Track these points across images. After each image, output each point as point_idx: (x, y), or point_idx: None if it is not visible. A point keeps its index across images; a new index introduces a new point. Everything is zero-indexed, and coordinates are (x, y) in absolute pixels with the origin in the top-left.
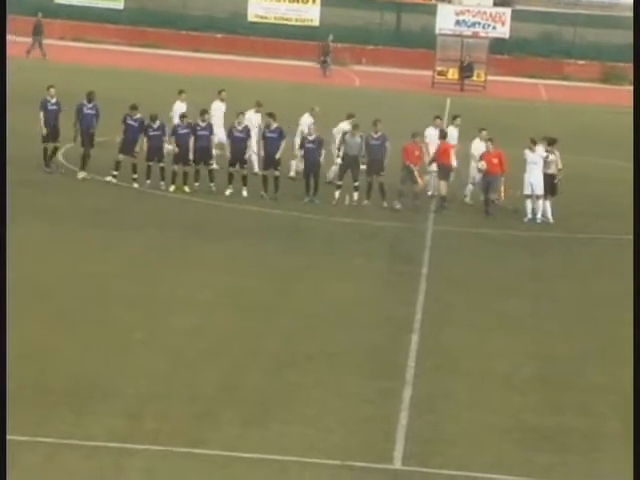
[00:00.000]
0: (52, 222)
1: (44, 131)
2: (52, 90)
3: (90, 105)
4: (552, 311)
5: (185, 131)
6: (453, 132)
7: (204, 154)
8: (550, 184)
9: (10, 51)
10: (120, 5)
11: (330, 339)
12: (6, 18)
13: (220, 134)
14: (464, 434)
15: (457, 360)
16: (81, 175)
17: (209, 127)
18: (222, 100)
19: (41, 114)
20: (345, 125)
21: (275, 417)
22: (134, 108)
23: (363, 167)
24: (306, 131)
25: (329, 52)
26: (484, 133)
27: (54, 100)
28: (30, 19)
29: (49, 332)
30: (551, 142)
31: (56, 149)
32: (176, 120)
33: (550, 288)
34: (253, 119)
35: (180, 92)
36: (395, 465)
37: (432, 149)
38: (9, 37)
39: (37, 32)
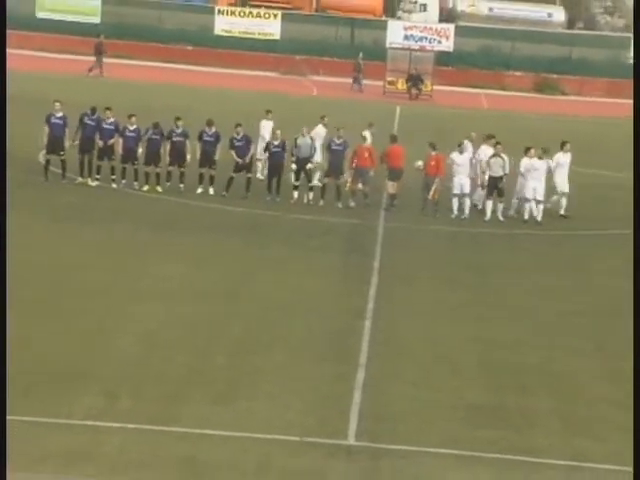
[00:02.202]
0: (30, 217)
1: (45, 143)
2: (57, 104)
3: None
4: (493, 301)
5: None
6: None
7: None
8: (497, 186)
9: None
10: (97, 19)
11: (290, 326)
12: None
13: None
14: (413, 413)
15: (406, 345)
16: (93, 183)
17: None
18: (324, 125)
19: (45, 127)
20: (487, 149)
21: (240, 397)
22: (108, 109)
23: (310, 165)
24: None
25: (361, 69)
26: (493, 140)
27: (59, 114)
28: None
29: (24, 320)
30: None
31: (63, 162)
32: (266, 137)
33: (491, 280)
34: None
35: (267, 112)
36: (349, 441)
37: (484, 165)
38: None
39: (98, 51)
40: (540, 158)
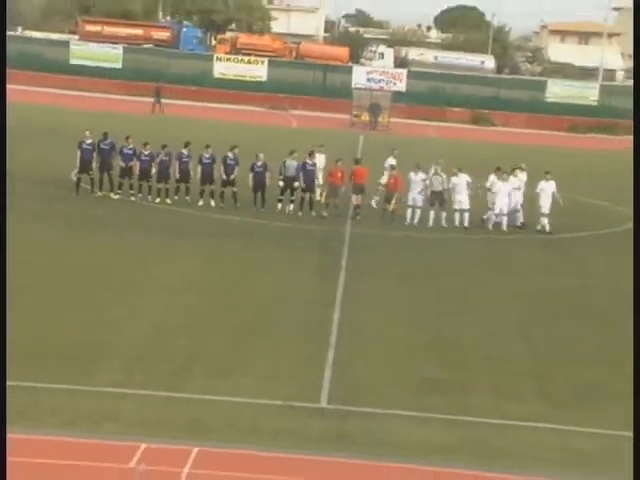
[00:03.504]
0: (64, 225)
1: (78, 165)
2: (87, 133)
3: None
4: (439, 293)
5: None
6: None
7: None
8: (438, 199)
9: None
10: (119, 65)
11: (276, 314)
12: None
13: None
14: (374, 383)
15: (368, 329)
16: (115, 196)
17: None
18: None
19: (78, 152)
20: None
21: (234, 371)
22: (127, 138)
23: (296, 184)
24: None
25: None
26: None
27: (89, 141)
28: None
29: (55, 310)
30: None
31: (92, 179)
32: (321, 167)
33: (438, 276)
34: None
35: (320, 146)
36: (323, 404)
37: (428, 183)
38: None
39: (157, 94)
40: (455, 175)
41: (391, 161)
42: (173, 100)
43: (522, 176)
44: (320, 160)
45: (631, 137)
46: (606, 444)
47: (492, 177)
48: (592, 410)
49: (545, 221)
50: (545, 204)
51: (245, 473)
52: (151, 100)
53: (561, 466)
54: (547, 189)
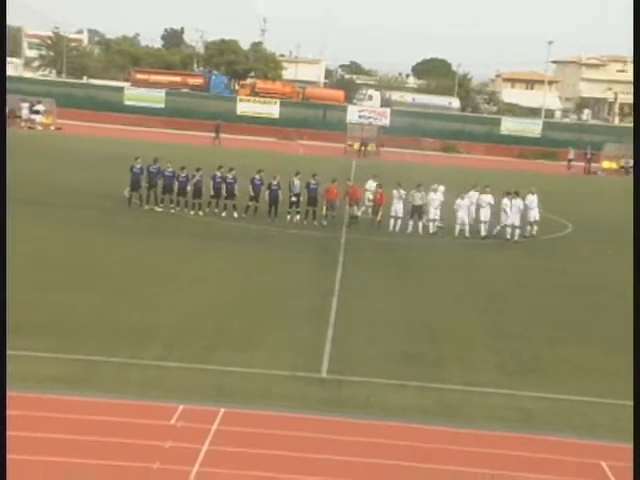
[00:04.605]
0: (119, 232)
1: (130, 184)
2: (139, 159)
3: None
4: (416, 285)
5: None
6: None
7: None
8: (418, 211)
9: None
10: (162, 105)
11: (284, 301)
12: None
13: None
14: (365, 357)
15: (361, 313)
16: (159, 209)
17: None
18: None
19: (129, 174)
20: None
21: (251, 347)
22: (165, 161)
23: (301, 199)
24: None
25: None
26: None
27: (138, 166)
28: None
29: (111, 298)
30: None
31: (140, 196)
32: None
33: (415, 271)
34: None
35: (375, 176)
36: (323, 375)
37: (410, 197)
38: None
39: (217, 130)
40: (435, 192)
41: (371, 183)
42: (207, 133)
43: (533, 197)
44: (370, 185)
45: (569, 163)
46: (550, 405)
47: (505, 199)
48: (538, 378)
49: (534, 228)
50: (533, 214)
51: (260, 429)
52: (187, 133)
53: (513, 423)
54: (531, 202)
